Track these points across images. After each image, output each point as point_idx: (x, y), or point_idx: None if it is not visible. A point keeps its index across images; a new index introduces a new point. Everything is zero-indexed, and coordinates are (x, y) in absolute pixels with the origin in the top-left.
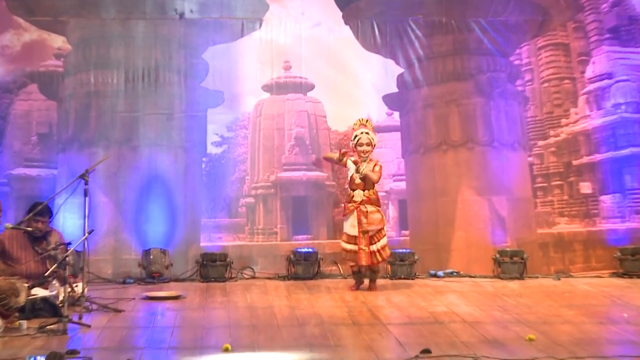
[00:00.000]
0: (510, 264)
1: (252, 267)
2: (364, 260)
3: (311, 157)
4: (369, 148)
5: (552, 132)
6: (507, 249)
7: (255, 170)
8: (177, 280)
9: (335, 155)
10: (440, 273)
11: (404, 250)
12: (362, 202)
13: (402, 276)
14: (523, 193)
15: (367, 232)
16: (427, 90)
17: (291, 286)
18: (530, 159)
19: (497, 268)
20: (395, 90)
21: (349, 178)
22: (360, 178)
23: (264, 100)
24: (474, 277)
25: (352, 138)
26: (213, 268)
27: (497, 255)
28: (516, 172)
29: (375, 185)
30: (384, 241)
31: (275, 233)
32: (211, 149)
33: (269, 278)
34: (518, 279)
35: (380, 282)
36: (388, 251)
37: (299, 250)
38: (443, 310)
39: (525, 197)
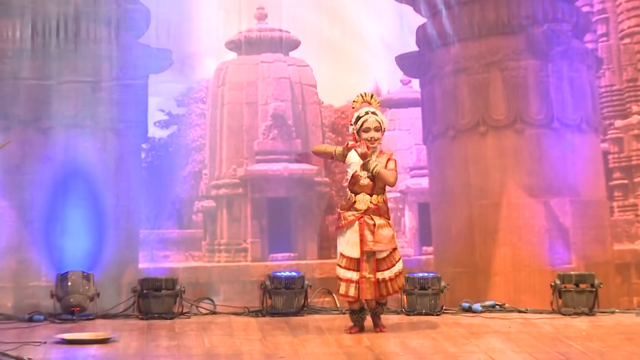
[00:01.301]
0: (576, 294)
1: (211, 299)
2: (368, 293)
3: (295, 144)
4: (379, 135)
5: (635, 108)
6: (572, 272)
7: (217, 162)
8: (105, 316)
9: (333, 149)
10: (477, 306)
11: (426, 275)
12: (367, 212)
13: (424, 311)
14: (594, 194)
15: (373, 253)
16: (458, 48)
17: (267, 325)
18: (604, 145)
19: (557, 300)
20: (414, 48)
21: (349, 176)
22: (368, 177)
23: (229, 63)
24: (524, 312)
25: (353, 121)
26: (157, 300)
27: (557, 282)
28: (584, 165)
29: (386, 189)
30: (398, 267)
31: (244, 250)
32: (154, 132)
33: (235, 314)
34: (587, 314)
35: (391, 318)
36: (402, 280)
37: (278, 274)
38: (481, 359)
39: (597, 200)
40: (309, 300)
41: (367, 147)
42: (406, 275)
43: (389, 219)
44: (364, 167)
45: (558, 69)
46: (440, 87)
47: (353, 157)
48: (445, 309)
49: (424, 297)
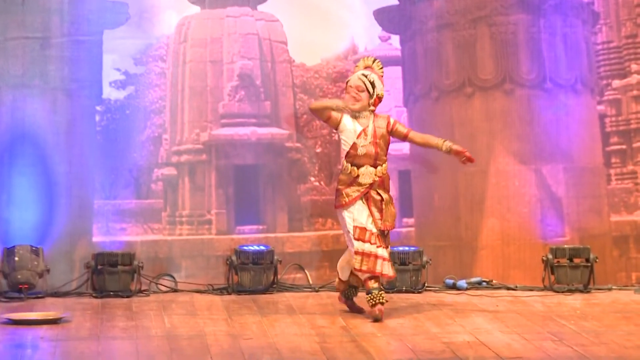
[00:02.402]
0: (570, 270)
1: (172, 275)
2: (390, 270)
3: (263, 106)
4: (361, 96)
5: (634, 67)
6: (565, 246)
7: (178, 126)
8: (56, 294)
9: (333, 103)
10: (462, 283)
11: (407, 249)
12: (373, 185)
13: (404, 288)
14: (590, 160)
15: (382, 230)
16: (442, 1)
17: (233, 304)
18: (600, 107)
19: (549, 276)
20: (394, 2)
21: (344, 145)
22: (368, 145)
23: (192, 18)
24: (513, 289)
25: (347, 82)
26: (112, 276)
27: (550, 256)
28: (579, 128)
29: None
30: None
31: (208, 222)
32: (110, 93)
33: (198, 291)
34: (581, 291)
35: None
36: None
37: (245, 248)
38: (466, 340)
39: (592, 167)
40: (278, 276)
41: (348, 108)
42: None
43: (388, 191)
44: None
45: (551, 25)
46: (423, 44)
47: (348, 124)
48: (427, 286)
49: (404, 273)
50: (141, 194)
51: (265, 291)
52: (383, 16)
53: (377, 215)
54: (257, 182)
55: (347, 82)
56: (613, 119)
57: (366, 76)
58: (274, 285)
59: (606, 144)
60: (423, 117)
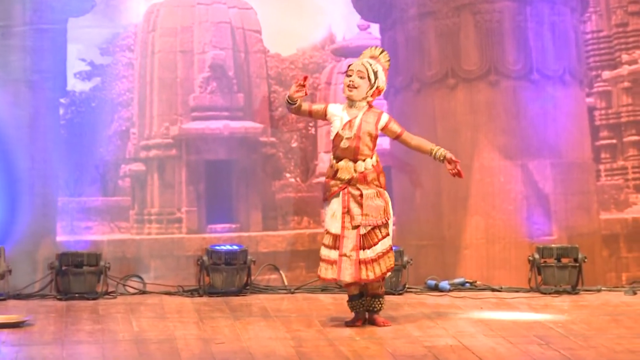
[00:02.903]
0: (557, 270)
1: (140, 276)
2: (346, 275)
3: (236, 98)
4: (361, 83)
5: (625, 57)
6: (553, 245)
7: (147, 119)
8: (18, 296)
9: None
10: (444, 284)
11: None
12: (351, 181)
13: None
14: (578, 155)
15: (356, 228)
16: None
17: (204, 306)
18: (590, 100)
19: (535, 276)
20: None
21: (332, 135)
22: (350, 138)
23: (161, 5)
24: (498, 290)
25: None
26: (77, 277)
27: (536, 256)
28: (567, 122)
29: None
30: (385, 244)
31: (178, 220)
32: (74, 84)
33: (168, 293)
34: (569, 293)
35: (346, 298)
36: (391, 260)
37: (217, 248)
38: (449, 344)
39: (581, 162)
40: (252, 277)
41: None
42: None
43: (383, 187)
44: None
45: (538, 13)
46: (404, 33)
47: (336, 111)
48: (408, 288)
49: None
50: (108, 191)
51: (238, 293)
52: (362, 4)
53: (356, 210)
54: (230, 178)
55: (348, 66)
56: (603, 112)
57: (371, 64)
58: (248, 287)
59: (595, 138)
60: (404, 110)
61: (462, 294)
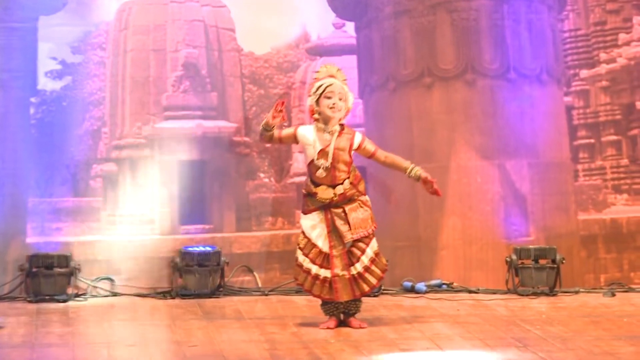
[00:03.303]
0: (535, 271)
1: (112, 278)
2: (344, 294)
3: (210, 98)
4: (342, 105)
5: (603, 56)
6: (530, 246)
7: (119, 119)
8: None
9: (262, 124)
10: (421, 286)
11: None
12: (331, 203)
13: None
14: (556, 155)
15: (342, 245)
16: None
17: (177, 308)
18: (568, 99)
19: (512, 278)
20: None
21: (307, 160)
22: (326, 168)
23: (133, 4)
24: (475, 292)
25: (313, 91)
26: (48, 279)
27: (514, 257)
28: (545, 121)
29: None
30: (373, 247)
31: (151, 221)
32: (45, 83)
33: (140, 295)
34: (547, 295)
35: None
36: (383, 260)
37: (190, 249)
38: (425, 346)
39: (559, 162)
40: (225, 279)
41: (323, 120)
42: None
43: (363, 192)
44: (320, 153)
45: (515, 11)
46: (379, 31)
47: (308, 136)
48: (383, 290)
49: None
50: (79, 192)
51: (211, 295)
52: (337, 2)
53: (344, 228)
54: (203, 178)
55: (320, 86)
56: (581, 111)
57: (344, 88)
58: (221, 289)
59: (573, 137)
60: (379, 109)
61: (438, 295)
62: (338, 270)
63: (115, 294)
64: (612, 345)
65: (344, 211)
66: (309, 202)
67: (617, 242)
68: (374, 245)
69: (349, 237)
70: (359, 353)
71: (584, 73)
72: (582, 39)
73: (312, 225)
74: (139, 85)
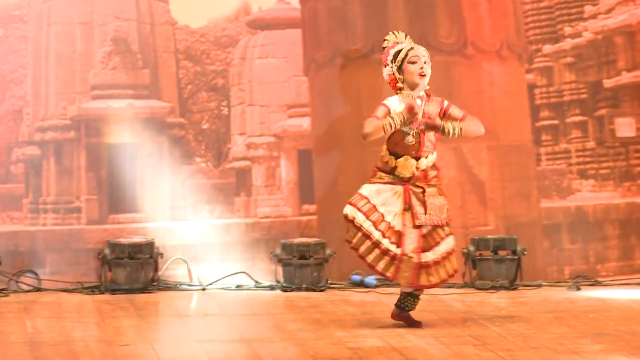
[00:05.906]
0: (494, 264)
1: (35, 272)
2: (402, 278)
3: (141, 75)
4: (429, 71)
5: (568, 30)
6: (489, 236)
7: (42, 99)
8: None
9: (387, 122)
10: (370, 280)
11: (307, 240)
12: (411, 180)
13: (304, 285)
14: (517, 137)
15: (418, 227)
16: None
17: (106, 305)
18: (530, 76)
19: (470, 270)
20: None
21: (388, 127)
22: (415, 134)
23: None
24: None
25: (390, 59)
26: None
27: (471, 248)
28: (505, 101)
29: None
30: (449, 244)
31: (77, 210)
32: None
33: (66, 290)
34: (507, 289)
35: (263, 295)
36: (454, 263)
37: (120, 240)
38: (375, 345)
39: (520, 145)
40: (159, 273)
41: (412, 87)
42: (282, 242)
43: (441, 184)
44: (413, 117)
45: None
46: (326, 3)
47: (396, 105)
48: (331, 283)
49: (304, 268)
50: None
51: (143, 290)
52: None
53: (419, 209)
54: (134, 163)
55: (399, 52)
56: (544, 89)
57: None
58: (154, 283)
59: (536, 118)
60: (327, 88)
61: (389, 290)
62: (407, 251)
63: (38, 289)
64: (577, 344)
65: (423, 192)
66: (383, 175)
67: (583, 231)
68: (451, 241)
69: (422, 219)
70: (304, 352)
71: (547, 48)
72: (545, 12)
73: (379, 190)
74: (64, 61)
